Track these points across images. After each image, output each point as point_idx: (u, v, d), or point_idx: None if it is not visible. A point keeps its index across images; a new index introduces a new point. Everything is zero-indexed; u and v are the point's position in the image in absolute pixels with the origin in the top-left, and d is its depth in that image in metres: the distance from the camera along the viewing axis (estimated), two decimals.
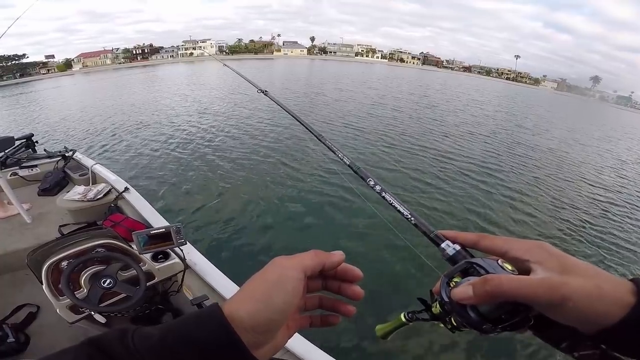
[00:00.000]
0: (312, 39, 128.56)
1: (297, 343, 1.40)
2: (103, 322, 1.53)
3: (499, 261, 0.34)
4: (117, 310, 1.50)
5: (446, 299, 0.34)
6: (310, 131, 0.73)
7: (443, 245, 0.40)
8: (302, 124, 0.74)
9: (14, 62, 76.59)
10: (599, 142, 15.20)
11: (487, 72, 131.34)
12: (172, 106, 14.34)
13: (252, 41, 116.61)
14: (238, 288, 1.84)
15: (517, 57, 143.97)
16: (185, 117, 11.74)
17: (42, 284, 1.41)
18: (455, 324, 0.36)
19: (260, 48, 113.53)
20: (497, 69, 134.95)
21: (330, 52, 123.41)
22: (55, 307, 1.44)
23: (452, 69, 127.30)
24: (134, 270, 1.58)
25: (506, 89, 60.74)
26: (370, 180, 0.52)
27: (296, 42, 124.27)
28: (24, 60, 79.11)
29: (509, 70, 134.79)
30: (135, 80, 30.28)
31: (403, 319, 0.42)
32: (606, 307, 0.29)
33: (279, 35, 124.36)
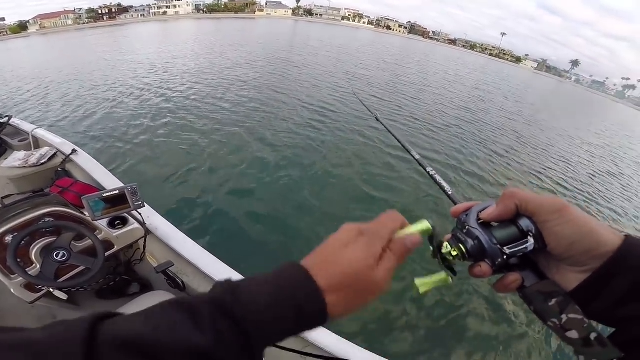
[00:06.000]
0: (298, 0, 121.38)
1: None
2: (65, 298, 1.41)
3: None
4: (78, 285, 1.39)
5: (474, 225, 0.38)
6: (411, 152, 0.66)
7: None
8: (407, 150, 0.68)
9: None
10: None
11: (472, 46, 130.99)
12: (132, 64, 13.29)
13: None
14: (205, 252, 1.75)
15: (503, 34, 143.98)
16: (147, 73, 10.95)
17: None
18: (465, 252, 0.38)
19: (241, 7, 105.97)
20: (482, 44, 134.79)
21: (317, 14, 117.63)
22: (10, 287, 1.31)
23: (437, 40, 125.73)
24: (90, 240, 1.47)
25: (487, 64, 60.98)
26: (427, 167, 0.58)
27: (280, 2, 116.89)
28: None
29: (493, 47, 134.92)
30: (97, 40, 27.14)
31: (429, 224, 0.41)
32: (601, 229, 0.31)
33: None
